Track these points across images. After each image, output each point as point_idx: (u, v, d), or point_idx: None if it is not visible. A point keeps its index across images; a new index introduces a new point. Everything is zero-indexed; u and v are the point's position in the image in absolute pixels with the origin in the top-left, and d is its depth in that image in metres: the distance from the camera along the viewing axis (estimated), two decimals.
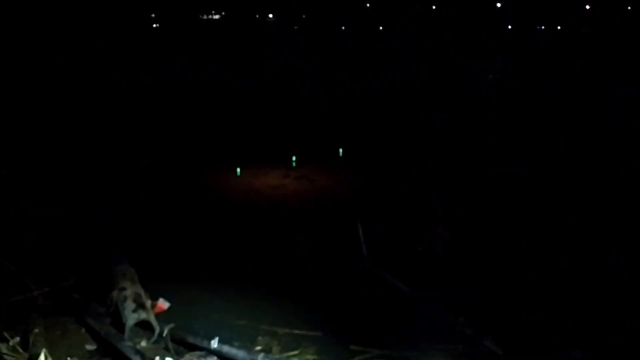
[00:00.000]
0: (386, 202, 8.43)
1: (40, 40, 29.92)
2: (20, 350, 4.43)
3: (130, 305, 4.74)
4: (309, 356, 4.56)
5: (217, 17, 70.33)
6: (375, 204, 8.10)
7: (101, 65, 22.58)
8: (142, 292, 5.03)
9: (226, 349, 4.37)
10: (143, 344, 4.58)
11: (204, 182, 10.25)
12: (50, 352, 4.17)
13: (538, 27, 52.75)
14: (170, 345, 4.53)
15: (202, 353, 4.42)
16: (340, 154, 12.08)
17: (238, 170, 10.08)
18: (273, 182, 9.70)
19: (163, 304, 5.15)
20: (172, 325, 4.64)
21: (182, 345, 4.56)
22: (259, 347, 4.63)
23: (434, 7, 60.18)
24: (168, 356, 4.42)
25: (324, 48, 33.02)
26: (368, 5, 62.49)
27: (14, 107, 13.44)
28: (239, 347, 4.42)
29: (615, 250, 6.49)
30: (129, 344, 4.44)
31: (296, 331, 4.91)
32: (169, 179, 10.39)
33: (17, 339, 4.56)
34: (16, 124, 11.65)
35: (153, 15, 60.92)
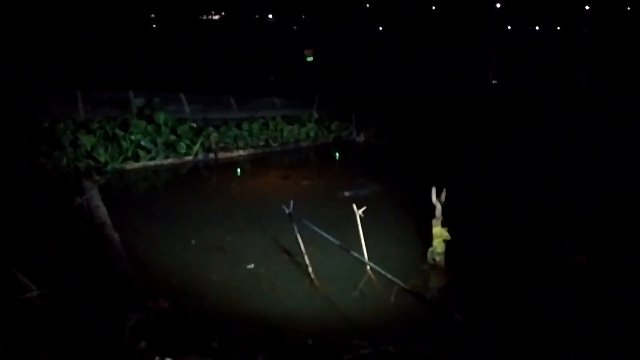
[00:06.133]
0: (386, 201, 8.45)
1: (39, 39, 29.94)
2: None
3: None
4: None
5: (216, 17, 70.43)
6: (375, 204, 8.10)
7: (100, 65, 22.58)
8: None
9: None
10: (143, 344, 4.57)
11: (206, 182, 10.30)
12: (50, 353, 4.16)
13: (537, 28, 52.81)
14: None
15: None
16: (339, 156, 12.15)
17: (238, 170, 10.12)
18: (272, 182, 9.75)
19: (163, 304, 5.15)
20: None
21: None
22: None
23: (433, 8, 60.29)
24: (168, 357, 4.41)
25: (324, 48, 33.02)
26: (368, 5, 62.60)
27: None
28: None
29: (615, 248, 6.49)
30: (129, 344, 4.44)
31: (296, 329, 4.92)
32: (170, 179, 10.43)
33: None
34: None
35: (153, 15, 60.99)
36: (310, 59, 10.17)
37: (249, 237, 7.02)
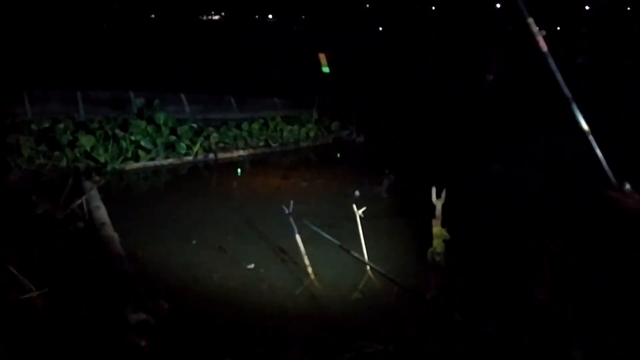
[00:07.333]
0: (386, 201, 8.45)
1: (39, 39, 29.95)
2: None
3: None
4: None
5: (216, 17, 70.46)
6: (374, 203, 8.10)
7: (100, 65, 22.56)
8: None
9: None
10: (143, 344, 4.57)
11: (206, 182, 10.31)
12: (50, 353, 4.16)
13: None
14: None
15: None
16: (338, 156, 12.15)
17: (238, 170, 10.13)
18: (272, 183, 9.76)
19: (163, 304, 5.15)
20: None
21: None
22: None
23: (433, 8, 60.22)
24: (167, 357, 4.42)
25: (323, 48, 33.01)
26: (368, 5, 62.56)
27: None
28: None
29: (616, 248, 6.49)
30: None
31: (296, 329, 4.92)
32: (170, 179, 10.43)
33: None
34: None
35: (153, 15, 61.00)
36: (325, 69, 9.64)
37: (249, 237, 7.03)
